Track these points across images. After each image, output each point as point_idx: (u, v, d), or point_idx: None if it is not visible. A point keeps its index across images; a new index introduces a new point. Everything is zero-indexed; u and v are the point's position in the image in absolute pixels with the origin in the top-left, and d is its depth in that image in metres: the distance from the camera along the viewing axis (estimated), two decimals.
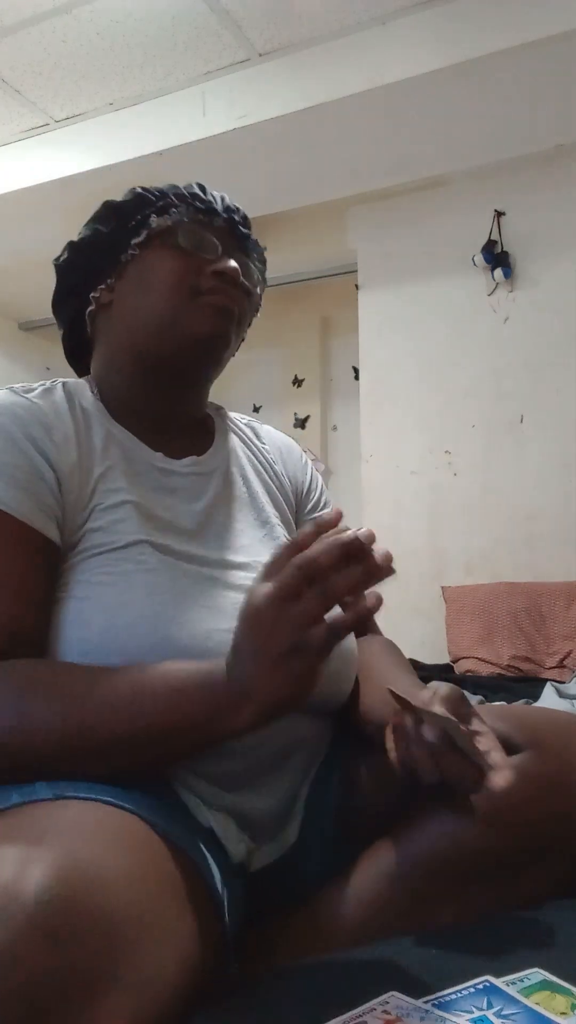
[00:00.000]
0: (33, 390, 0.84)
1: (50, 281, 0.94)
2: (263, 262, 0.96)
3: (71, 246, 0.92)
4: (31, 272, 3.75)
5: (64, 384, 0.87)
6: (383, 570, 0.58)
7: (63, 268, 0.93)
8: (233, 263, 0.87)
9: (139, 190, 0.89)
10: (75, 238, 0.93)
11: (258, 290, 0.93)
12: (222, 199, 0.91)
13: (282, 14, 2.48)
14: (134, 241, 0.87)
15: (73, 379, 0.90)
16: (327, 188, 3.08)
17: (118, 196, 0.92)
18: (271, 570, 0.61)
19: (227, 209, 0.91)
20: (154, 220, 0.87)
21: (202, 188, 0.91)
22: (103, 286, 0.89)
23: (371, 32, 2.53)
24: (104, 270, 0.89)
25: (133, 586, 0.74)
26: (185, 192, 0.89)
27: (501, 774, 0.66)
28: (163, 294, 0.85)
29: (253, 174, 2.90)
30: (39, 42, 2.59)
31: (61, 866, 0.50)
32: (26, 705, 0.67)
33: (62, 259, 0.93)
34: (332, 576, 0.57)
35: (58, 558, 0.77)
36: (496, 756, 0.67)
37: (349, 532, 0.59)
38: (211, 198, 0.90)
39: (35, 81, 2.78)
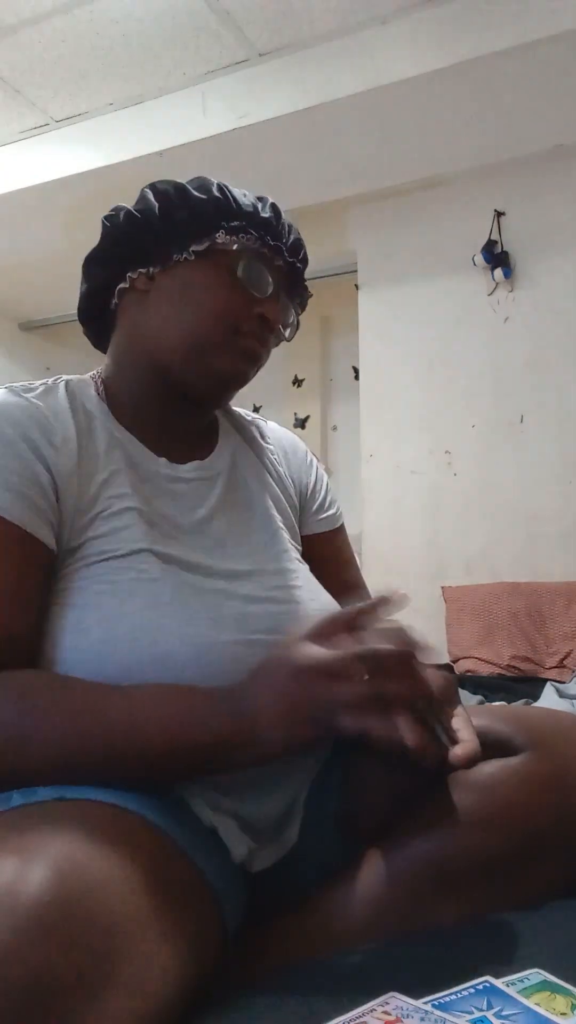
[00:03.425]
0: (33, 389, 0.82)
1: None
2: (303, 307, 0.94)
3: (127, 214, 0.85)
4: (31, 272, 3.76)
5: (67, 383, 0.85)
6: (428, 696, 0.64)
7: (111, 232, 0.87)
8: (277, 310, 0.85)
9: (217, 193, 0.84)
10: (130, 206, 0.86)
11: (287, 332, 0.92)
12: (291, 232, 0.88)
13: (282, 14, 2.48)
14: (194, 248, 0.82)
15: (76, 376, 0.88)
16: (327, 188, 3.09)
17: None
18: (320, 633, 0.65)
19: (293, 249, 0.88)
20: (221, 236, 0.82)
21: (276, 215, 0.87)
22: (143, 270, 0.84)
23: (371, 32, 2.53)
24: (150, 254, 0.84)
25: (133, 596, 0.73)
26: (260, 216, 0.85)
27: (464, 747, 0.66)
28: (201, 320, 0.82)
29: (253, 174, 2.89)
30: (39, 42, 2.59)
31: (61, 866, 0.50)
32: (26, 719, 0.66)
33: (113, 223, 0.87)
34: (387, 682, 0.61)
35: (53, 564, 0.75)
36: (465, 733, 0.69)
37: (412, 646, 0.64)
38: (283, 231, 0.86)
39: (35, 81, 2.78)
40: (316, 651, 0.64)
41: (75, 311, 0.94)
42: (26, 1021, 0.44)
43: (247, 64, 2.71)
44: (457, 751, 0.66)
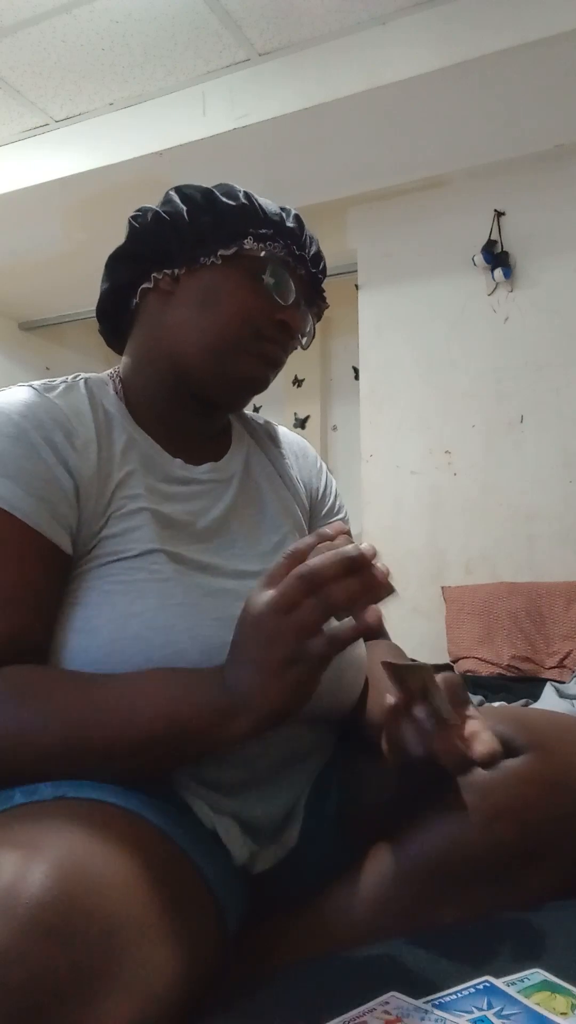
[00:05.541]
0: (55, 388, 0.82)
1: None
2: (320, 317, 0.95)
3: (155, 215, 0.86)
4: (31, 272, 3.76)
5: (86, 381, 0.85)
6: (383, 587, 0.59)
7: (138, 232, 0.87)
8: (298, 317, 0.86)
9: (245, 200, 0.85)
10: (156, 207, 0.87)
11: (304, 341, 0.92)
12: (312, 243, 0.89)
13: (282, 14, 2.48)
14: (221, 252, 0.83)
15: (94, 374, 0.88)
16: (327, 188, 3.08)
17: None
18: (271, 579, 0.62)
19: (315, 259, 0.89)
20: (249, 242, 0.84)
21: (300, 225, 0.88)
22: (168, 272, 0.85)
23: (371, 32, 2.53)
24: (176, 256, 0.85)
25: (144, 596, 0.73)
26: (286, 225, 0.86)
27: (483, 743, 0.66)
28: (224, 324, 0.83)
29: (253, 174, 2.89)
30: (39, 42, 2.59)
31: (63, 866, 0.51)
32: (22, 711, 0.66)
33: (141, 223, 0.87)
34: (332, 587, 0.58)
35: (68, 568, 0.75)
36: (485, 735, 0.68)
37: (351, 546, 0.60)
38: (307, 242, 0.88)
39: (35, 81, 2.78)
40: (263, 595, 0.62)
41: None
42: (25, 1022, 0.44)
43: (247, 64, 2.71)
44: (480, 748, 0.66)
